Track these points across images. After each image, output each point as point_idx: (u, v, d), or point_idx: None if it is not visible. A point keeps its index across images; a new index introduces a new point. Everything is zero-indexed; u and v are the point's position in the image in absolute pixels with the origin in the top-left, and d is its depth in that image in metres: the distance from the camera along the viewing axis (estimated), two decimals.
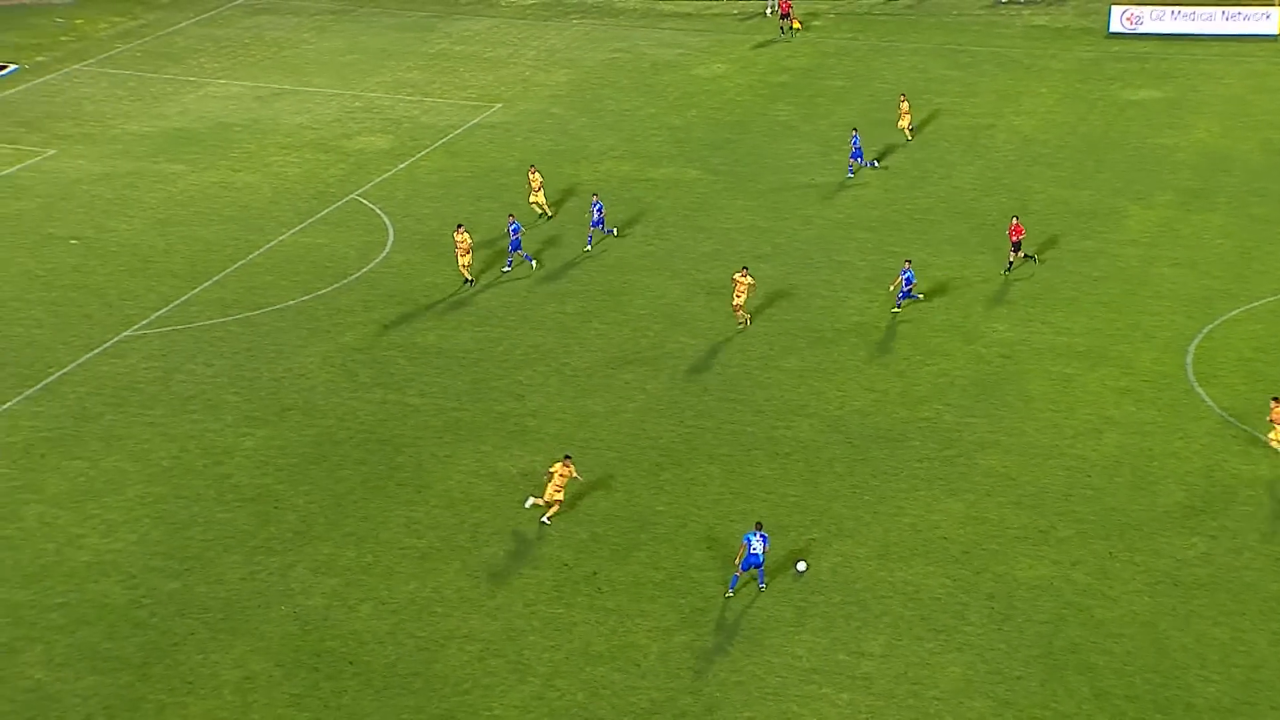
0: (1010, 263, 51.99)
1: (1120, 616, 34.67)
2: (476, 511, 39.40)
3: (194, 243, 56.72)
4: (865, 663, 33.42)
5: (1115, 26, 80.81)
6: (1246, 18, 79.54)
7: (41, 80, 77.69)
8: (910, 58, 78.16)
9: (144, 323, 50.33)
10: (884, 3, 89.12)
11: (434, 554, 37.64)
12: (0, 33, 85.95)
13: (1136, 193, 59.44)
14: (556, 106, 71.96)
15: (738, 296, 48.21)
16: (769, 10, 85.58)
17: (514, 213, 55.17)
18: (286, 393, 45.57)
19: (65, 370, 47.25)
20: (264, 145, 67.21)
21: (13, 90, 76.11)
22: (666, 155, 64.98)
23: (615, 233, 55.72)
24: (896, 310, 49.28)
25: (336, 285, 52.83)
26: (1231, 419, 42.50)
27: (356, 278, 53.40)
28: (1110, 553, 36.97)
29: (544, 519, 38.55)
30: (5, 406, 45.18)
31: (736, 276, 48.47)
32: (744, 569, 35.34)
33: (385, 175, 63.24)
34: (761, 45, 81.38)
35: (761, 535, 35.10)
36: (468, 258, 51.85)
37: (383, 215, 58.96)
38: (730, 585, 35.67)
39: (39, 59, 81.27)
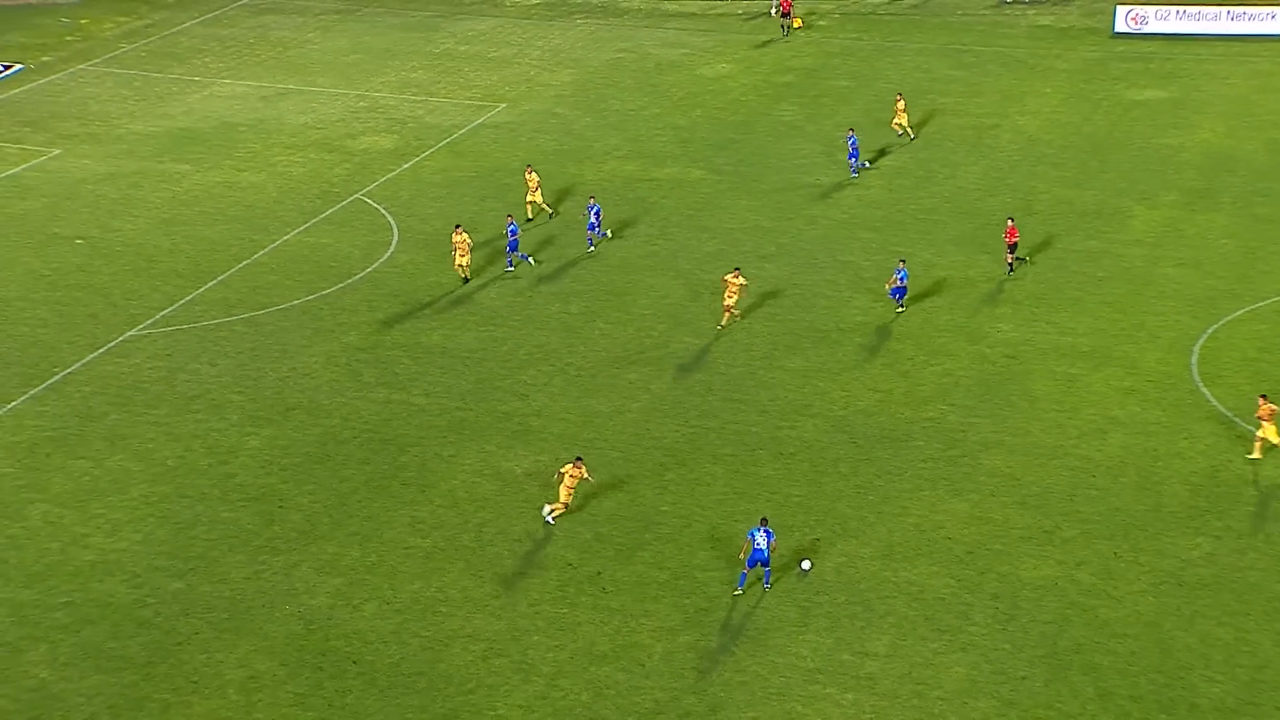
0: (1011, 265, 51.98)
1: (1125, 617, 34.66)
2: (481, 511, 39.42)
3: (198, 242, 56.77)
4: (869, 663, 33.42)
5: (1120, 26, 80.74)
6: (1251, 18, 79.46)
7: (47, 80, 77.77)
8: (914, 58, 78.13)
9: (148, 322, 50.38)
10: (888, 3, 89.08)
11: (438, 554, 37.66)
12: (6, 32, 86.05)
13: (1141, 193, 59.40)
14: (561, 106, 71.98)
15: (729, 297, 48.18)
16: (773, 10, 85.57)
17: (513, 214, 55.24)
18: (291, 392, 45.61)
19: (70, 370, 47.30)
20: (269, 145, 67.26)
21: (18, 90, 76.19)
22: (671, 155, 64.98)
23: (609, 235, 55.57)
24: (901, 309, 49.26)
25: (341, 285, 52.86)
26: (1236, 419, 42.45)
27: (361, 277, 53.43)
28: (1115, 553, 36.96)
29: (549, 518, 38.54)
30: (10, 406, 45.24)
31: (728, 277, 48.46)
32: (750, 565, 35.35)
33: (390, 175, 63.27)
34: (766, 45, 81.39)
35: (766, 531, 35.09)
36: (467, 258, 51.87)
37: (387, 215, 59.00)
38: (739, 582, 35.67)
39: (44, 59, 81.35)
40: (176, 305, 51.56)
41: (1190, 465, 40.53)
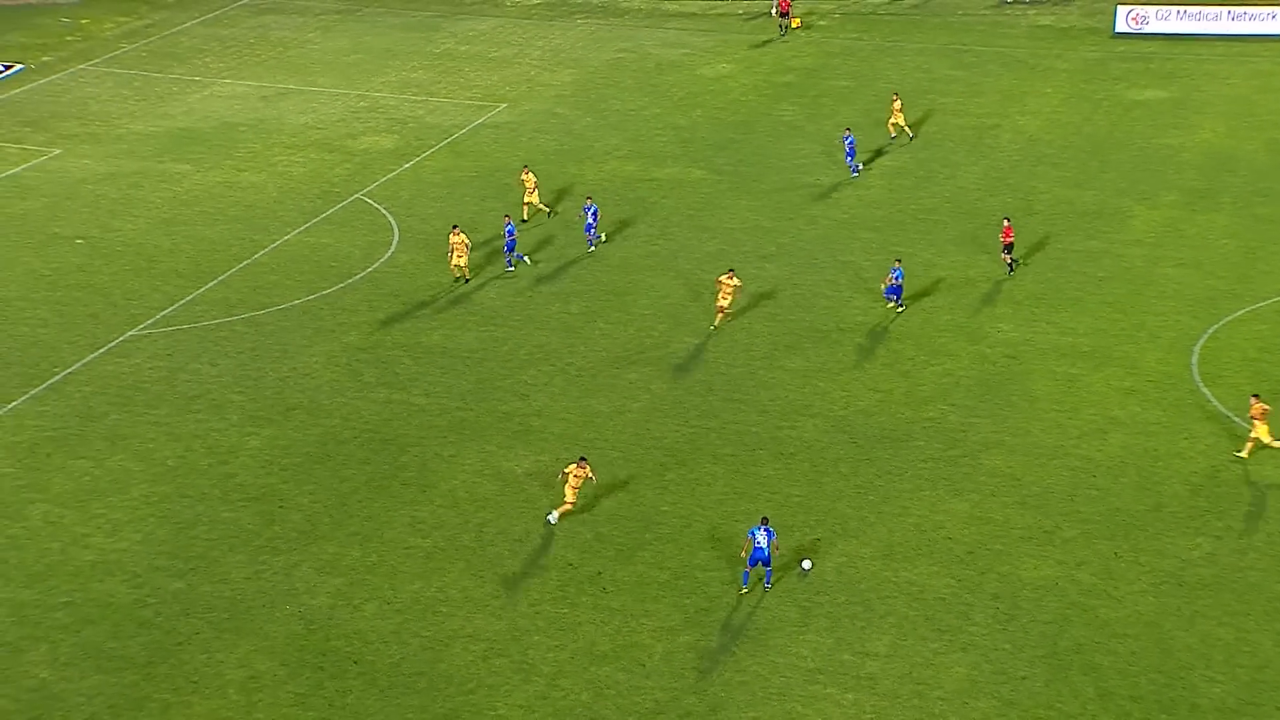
0: (1011, 265, 51.97)
1: (1125, 617, 34.66)
2: (481, 511, 39.42)
3: (199, 242, 56.77)
4: (870, 663, 33.42)
5: (1120, 26, 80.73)
6: (1252, 18, 79.46)
7: (47, 80, 77.78)
8: (915, 58, 78.13)
9: (149, 322, 50.38)
10: (889, 3, 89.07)
11: (438, 553, 37.66)
12: (6, 32, 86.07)
13: (1141, 193, 59.40)
14: (561, 106, 71.99)
15: (723, 298, 48.14)
16: (773, 10, 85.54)
17: (511, 214, 55.27)
18: (291, 392, 45.61)
19: (70, 370, 47.30)
20: (269, 145, 67.27)
21: (18, 90, 76.20)
22: (671, 155, 64.99)
23: (603, 239, 55.41)
24: (901, 309, 49.26)
25: (341, 285, 52.87)
26: (1237, 419, 42.44)
27: (361, 277, 53.44)
28: (1115, 553, 36.96)
29: (550, 518, 38.52)
30: (11, 406, 45.24)
31: (722, 279, 48.44)
32: (751, 564, 35.36)
33: (390, 175, 63.27)
34: (766, 45, 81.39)
35: (766, 530, 35.08)
36: (465, 258, 51.85)
37: (387, 215, 59.00)
38: (743, 581, 35.67)
39: (45, 59, 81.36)
40: (177, 305, 51.56)
41: (1191, 465, 40.53)
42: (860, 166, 62.03)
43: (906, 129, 65.30)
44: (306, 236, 57.13)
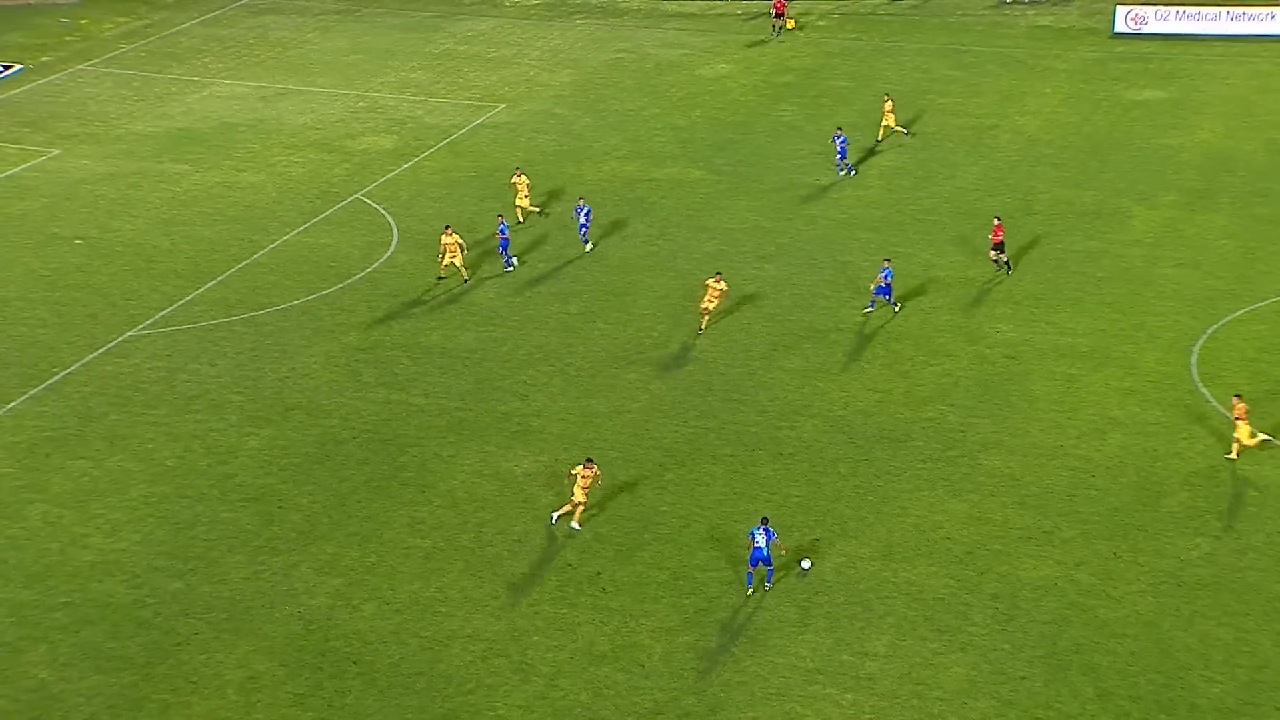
0: (1008, 264, 51.96)
1: (1124, 617, 34.67)
2: (480, 511, 39.42)
3: (198, 242, 56.77)
4: (869, 663, 33.42)
5: (1120, 27, 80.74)
6: (1251, 18, 79.48)
7: (46, 80, 77.77)
8: (914, 58, 78.14)
9: (148, 322, 50.37)
10: (888, 3, 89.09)
11: (437, 554, 37.66)
12: (5, 33, 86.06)
13: (1140, 193, 59.41)
14: (560, 107, 71.99)
15: (709, 301, 48.07)
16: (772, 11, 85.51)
17: (504, 214, 55.27)
18: (290, 392, 45.61)
19: (69, 370, 47.30)
20: (268, 145, 67.27)
21: (17, 90, 76.20)
22: (670, 155, 64.99)
23: (591, 246, 55.15)
24: (897, 308, 49.18)
25: (340, 285, 52.87)
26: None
27: (360, 277, 53.43)
28: (1114, 553, 36.96)
29: (554, 517, 38.44)
30: (10, 406, 45.23)
31: (709, 281, 48.37)
32: (752, 564, 35.37)
33: (389, 175, 63.27)
34: (765, 46, 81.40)
35: (766, 530, 35.08)
36: (457, 258, 51.79)
37: (386, 215, 59.00)
38: (747, 582, 35.66)
39: (44, 59, 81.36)
40: (176, 305, 51.56)
41: (1190, 465, 40.54)
42: (852, 167, 61.93)
43: (899, 129, 65.25)
44: (305, 237, 57.12)
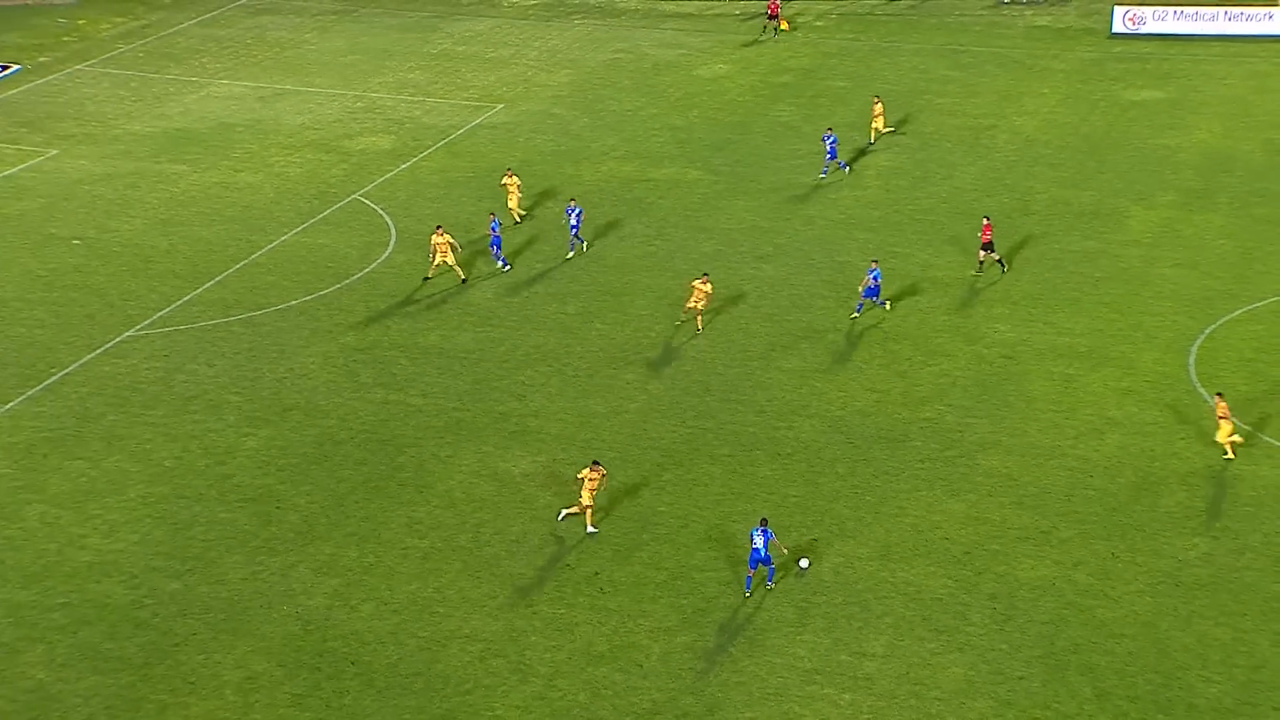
0: (1001, 263, 51.97)
1: (1122, 617, 34.68)
2: (478, 512, 39.41)
3: (196, 243, 56.75)
4: (867, 663, 33.43)
5: (1118, 27, 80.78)
6: (1249, 18, 79.52)
7: (44, 80, 77.75)
8: (912, 58, 78.15)
9: (146, 323, 50.36)
10: (885, 3, 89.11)
11: (435, 554, 37.65)
12: (2, 33, 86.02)
13: (1138, 193, 59.44)
14: (558, 107, 71.99)
15: (695, 302, 48.01)
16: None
17: (502, 215, 55.29)
18: (288, 393, 45.60)
19: (67, 370, 47.28)
20: (266, 145, 67.25)
21: (15, 90, 76.16)
22: (668, 156, 65.00)
23: (584, 247, 55.08)
24: (888, 308, 49.14)
25: (338, 285, 52.86)
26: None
27: (358, 278, 53.43)
28: (1112, 553, 36.98)
29: (562, 514, 38.32)
30: (7, 406, 45.21)
31: (695, 283, 48.31)
32: (751, 566, 35.38)
33: (387, 175, 63.26)
34: (762, 46, 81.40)
35: (764, 531, 35.08)
36: (449, 257, 51.74)
37: (384, 215, 59.00)
38: (745, 585, 35.66)
39: (41, 59, 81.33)
40: (174, 306, 51.54)
41: (1187, 465, 40.55)
42: (846, 164, 61.94)
43: (884, 130, 65.11)
44: (303, 237, 57.11)
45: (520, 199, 57.38)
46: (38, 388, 46.29)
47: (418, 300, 51.46)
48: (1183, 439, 41.73)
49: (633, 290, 51.88)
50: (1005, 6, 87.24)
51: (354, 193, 61.36)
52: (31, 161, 65.95)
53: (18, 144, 68.12)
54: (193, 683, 33.40)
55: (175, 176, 63.76)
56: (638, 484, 40.33)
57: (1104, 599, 35.29)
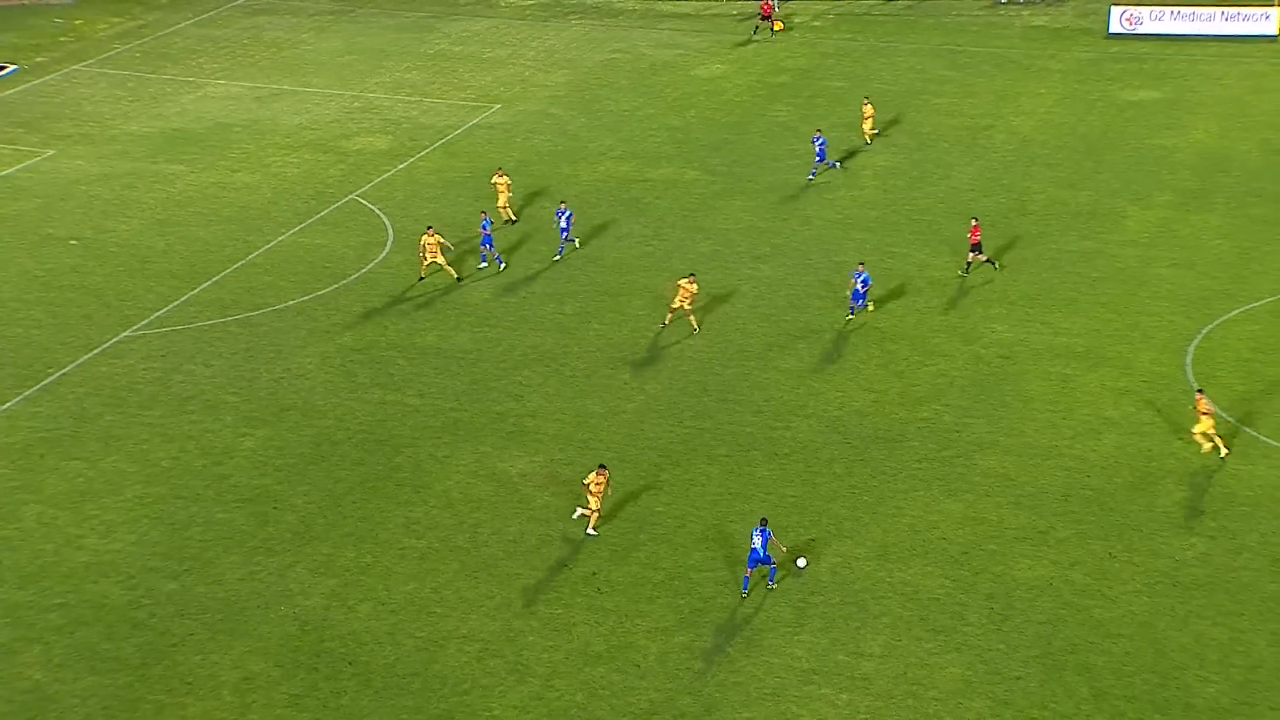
0: (991, 262, 52.02)
1: (1119, 617, 34.70)
2: (475, 512, 39.40)
3: (193, 243, 56.73)
4: (864, 663, 33.43)
5: (1115, 27, 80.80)
6: (1245, 18, 79.55)
7: (40, 81, 77.69)
8: (909, 59, 78.16)
9: (143, 323, 50.33)
10: (882, 3, 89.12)
11: (433, 554, 37.65)
12: None
13: (1135, 193, 59.47)
14: (555, 107, 71.98)
15: (680, 301, 47.94)
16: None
17: (486, 210, 55.29)
18: (285, 393, 45.58)
19: (64, 371, 47.25)
20: (263, 146, 67.22)
21: (12, 91, 76.11)
22: (665, 156, 65.00)
23: (577, 243, 55.17)
24: (870, 310, 49.05)
25: (335, 286, 52.84)
26: (1230, 419, 42.50)
27: (355, 278, 53.41)
28: (1109, 553, 37.00)
29: (577, 512, 38.20)
30: (4, 407, 45.18)
31: (681, 282, 48.24)
32: (750, 567, 35.38)
33: (384, 176, 63.25)
34: (760, 46, 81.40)
35: (762, 531, 35.08)
36: (439, 258, 51.70)
37: (382, 216, 58.98)
38: (743, 586, 35.66)
39: (38, 59, 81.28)
40: (171, 306, 51.52)
41: (1185, 465, 40.57)
42: (836, 163, 61.94)
43: (870, 132, 64.97)
44: (301, 237, 57.09)
45: (510, 198, 57.29)
46: (35, 388, 46.26)
47: (415, 300, 51.46)
48: (1180, 439, 41.72)
49: (630, 290, 51.87)
50: (1002, 7, 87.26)
51: (351, 193, 61.34)
52: (28, 162, 65.91)
53: (14, 144, 68.07)
54: (190, 683, 33.38)
55: (172, 177, 63.74)
56: (635, 484, 40.32)
57: (1101, 599, 35.31)
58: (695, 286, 48.33)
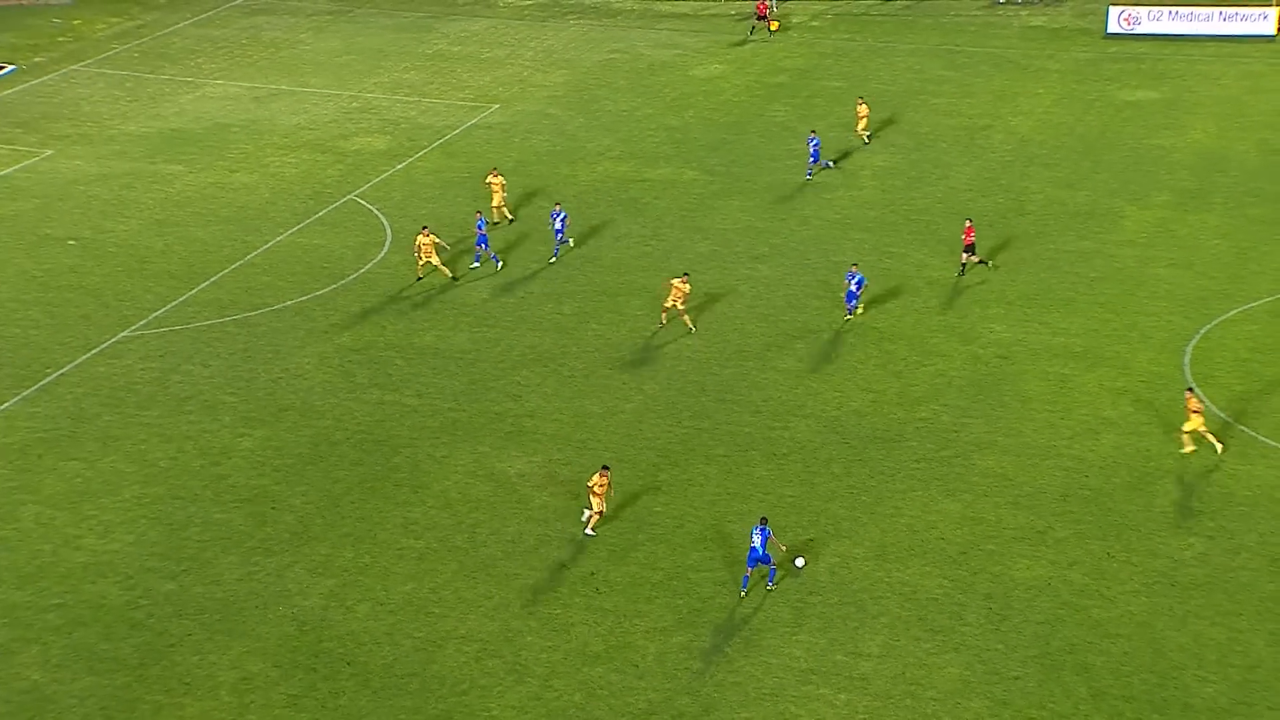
0: (983, 261, 52.00)
1: (1117, 617, 34.70)
2: (474, 512, 39.39)
3: (191, 243, 56.71)
4: (862, 663, 33.43)
5: (1113, 27, 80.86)
6: (1243, 18, 79.62)
7: (39, 81, 77.67)
8: (907, 59, 78.19)
9: (141, 323, 50.31)
10: (881, 3, 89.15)
11: (431, 554, 37.63)
12: None
13: (1133, 193, 59.49)
14: (554, 107, 71.98)
15: (673, 301, 47.92)
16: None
17: (482, 209, 55.27)
18: (283, 393, 45.57)
19: (62, 371, 47.23)
20: (261, 146, 67.21)
21: (10, 91, 76.09)
22: (663, 156, 65.00)
23: (571, 243, 55.15)
24: (849, 317, 48.98)
25: (333, 286, 52.83)
26: (1228, 419, 42.52)
27: (354, 278, 53.40)
28: (1107, 553, 37.00)
29: (588, 531, 38.21)
30: (2, 407, 45.16)
31: (674, 281, 48.21)
32: (750, 566, 35.38)
33: (382, 176, 63.23)
34: (757, 46, 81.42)
35: (762, 530, 35.08)
36: (434, 258, 51.67)
37: (380, 216, 58.97)
38: (742, 585, 35.66)
39: (36, 59, 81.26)
40: (169, 306, 51.50)
41: (1183, 465, 40.57)
42: (830, 163, 61.94)
43: (862, 133, 64.94)
44: (299, 237, 57.08)
45: (505, 198, 57.28)
46: (33, 388, 46.24)
47: (412, 300, 51.45)
48: (1178, 439, 41.72)
49: (628, 290, 51.87)
50: (1000, 7, 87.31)
51: (349, 193, 61.33)
52: (26, 162, 65.88)
53: (13, 144, 68.05)
54: (188, 683, 33.37)
55: (170, 177, 63.72)
56: (633, 484, 40.31)
57: (1099, 599, 35.32)
58: (688, 286, 48.31)
